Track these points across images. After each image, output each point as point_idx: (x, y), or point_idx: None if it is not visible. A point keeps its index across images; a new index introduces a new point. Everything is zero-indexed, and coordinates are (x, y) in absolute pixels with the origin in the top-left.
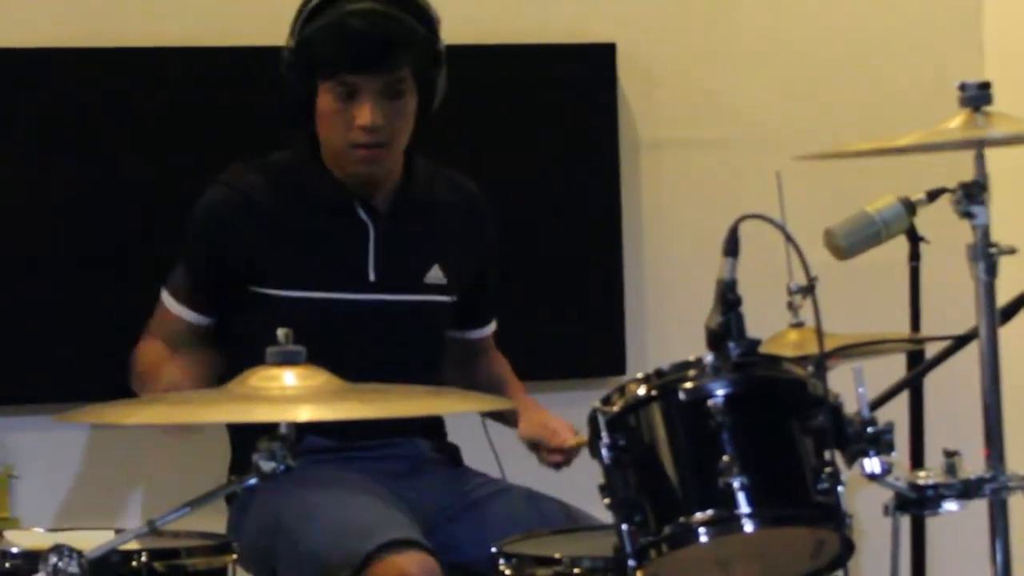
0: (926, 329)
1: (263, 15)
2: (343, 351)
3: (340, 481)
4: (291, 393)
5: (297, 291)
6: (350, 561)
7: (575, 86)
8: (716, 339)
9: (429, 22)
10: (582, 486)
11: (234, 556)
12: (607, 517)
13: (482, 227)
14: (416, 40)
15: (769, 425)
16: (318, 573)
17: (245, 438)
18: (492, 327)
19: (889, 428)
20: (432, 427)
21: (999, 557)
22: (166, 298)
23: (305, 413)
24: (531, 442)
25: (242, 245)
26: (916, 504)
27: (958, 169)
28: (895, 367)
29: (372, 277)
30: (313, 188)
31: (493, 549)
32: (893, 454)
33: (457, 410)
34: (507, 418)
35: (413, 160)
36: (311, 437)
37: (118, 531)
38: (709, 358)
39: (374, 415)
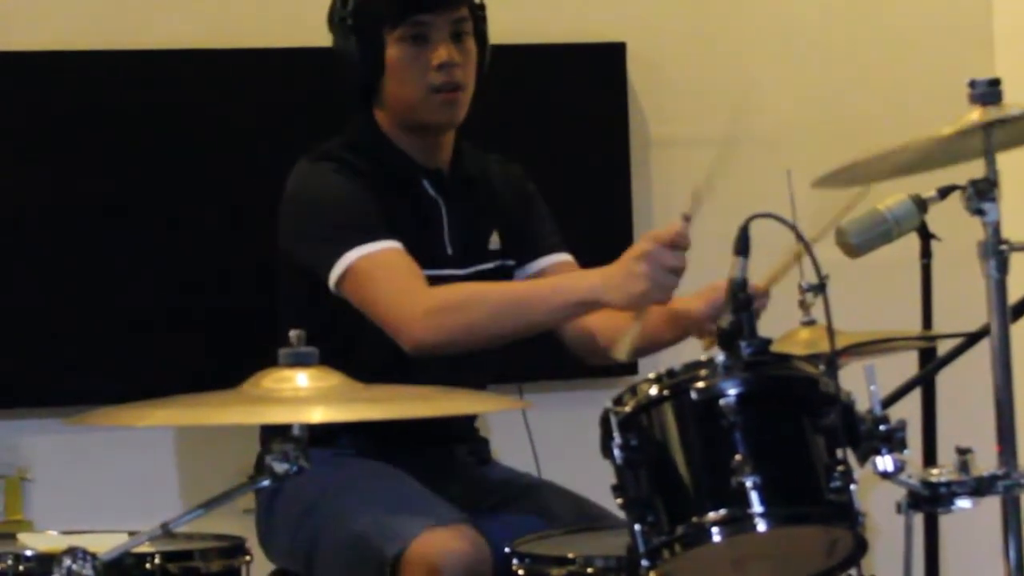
0: (938, 326)
1: (268, 17)
2: None
3: (379, 468)
4: (304, 394)
5: None
6: (395, 543)
7: (585, 86)
8: (728, 338)
9: None
10: (594, 485)
11: (247, 558)
12: (622, 514)
13: (525, 195)
14: None
15: (781, 424)
16: (361, 555)
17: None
18: (567, 256)
19: (901, 426)
20: (467, 429)
21: (1012, 554)
22: (356, 252)
23: (318, 414)
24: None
25: (364, 195)
26: (929, 502)
27: (969, 166)
28: (907, 365)
29: (450, 251)
30: (384, 165)
31: (507, 549)
32: (905, 452)
33: (471, 411)
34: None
35: (460, 133)
36: (344, 438)
37: (131, 533)
38: (721, 357)
39: (385, 416)
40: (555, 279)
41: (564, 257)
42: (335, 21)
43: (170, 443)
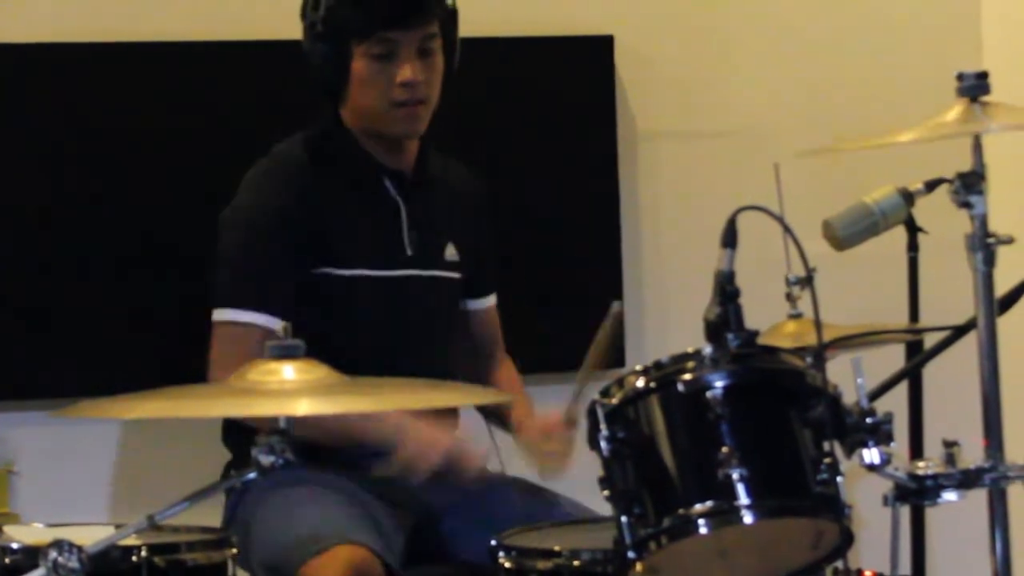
0: (925, 319)
1: (265, 9)
2: (391, 327)
3: (309, 487)
4: (290, 387)
5: (355, 269)
6: (289, 559)
7: (573, 78)
8: (715, 331)
9: None
10: (582, 479)
11: (234, 550)
12: (607, 510)
13: (483, 209)
14: None
15: (768, 416)
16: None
17: (239, 440)
18: (494, 298)
19: (888, 418)
20: (441, 421)
21: (998, 547)
22: (228, 314)
23: (304, 407)
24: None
25: (305, 215)
26: (915, 494)
27: (956, 159)
28: (894, 358)
29: (409, 252)
30: (340, 162)
31: (493, 542)
32: (892, 444)
33: (455, 403)
34: (504, 422)
35: (425, 140)
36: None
37: (118, 526)
38: (708, 350)
39: (371, 408)
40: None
41: (494, 300)
42: (305, 22)
43: (156, 436)
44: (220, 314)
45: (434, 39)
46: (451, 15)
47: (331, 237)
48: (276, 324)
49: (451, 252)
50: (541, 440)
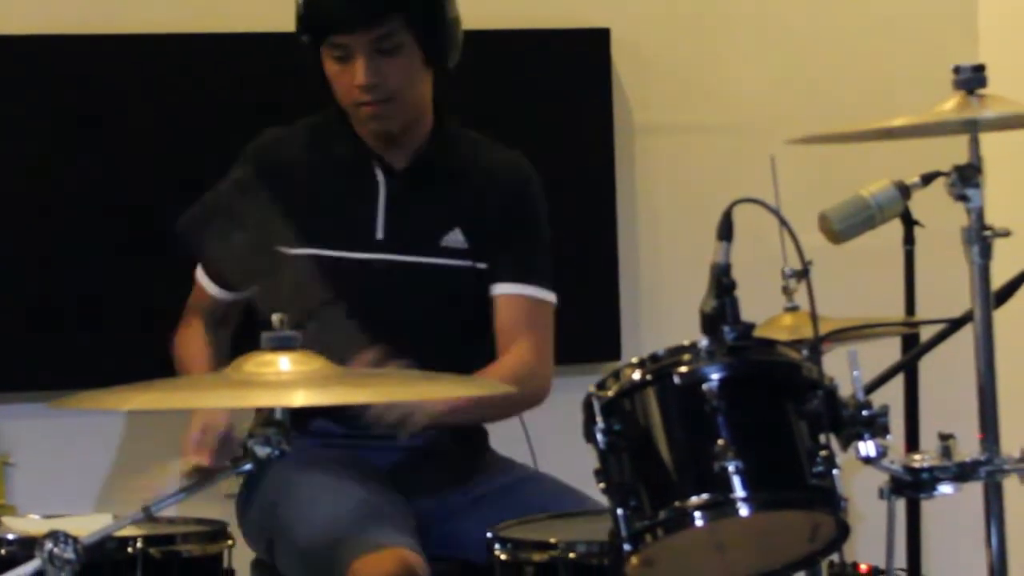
0: (921, 312)
1: (261, 1)
2: (356, 311)
3: (338, 476)
4: (287, 378)
5: (308, 248)
6: (338, 558)
7: (569, 71)
8: (711, 323)
9: None
10: (579, 471)
11: (229, 542)
12: (603, 501)
13: (519, 196)
14: None
15: (764, 409)
16: (309, 571)
17: None
18: (538, 291)
19: (884, 411)
20: None
21: (994, 540)
22: (199, 274)
23: (300, 398)
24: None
25: (262, 191)
26: (911, 487)
27: (952, 152)
28: (890, 350)
29: (380, 236)
30: (333, 147)
31: (489, 534)
32: (888, 437)
33: (452, 395)
34: None
35: (443, 121)
36: (319, 421)
37: (114, 518)
38: (704, 342)
39: (368, 400)
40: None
41: (535, 292)
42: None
43: (153, 427)
44: (198, 269)
45: (392, 37)
46: (426, 6)
47: (287, 217)
48: (213, 289)
49: (455, 238)
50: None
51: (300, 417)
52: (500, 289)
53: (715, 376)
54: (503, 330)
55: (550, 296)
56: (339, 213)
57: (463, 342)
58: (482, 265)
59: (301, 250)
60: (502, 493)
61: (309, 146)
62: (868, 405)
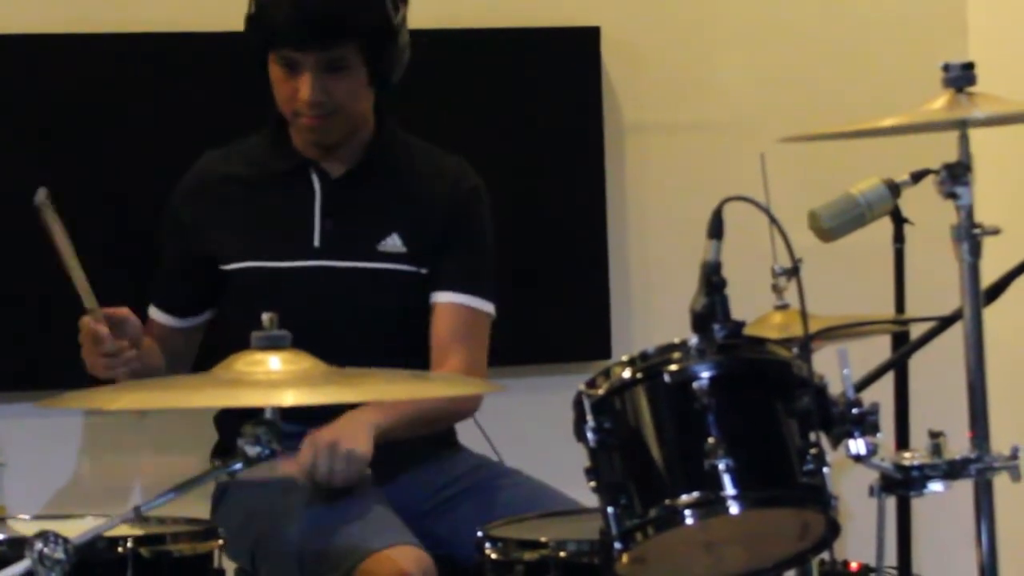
0: (911, 310)
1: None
2: (298, 321)
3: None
4: (276, 377)
5: (245, 262)
6: (339, 561)
7: (559, 70)
8: (701, 321)
9: None
10: (567, 469)
11: (220, 542)
12: (593, 501)
13: (457, 197)
14: (359, 17)
15: (754, 407)
16: (299, 571)
17: (231, 424)
18: (477, 302)
19: (874, 409)
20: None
21: (984, 537)
22: (151, 311)
23: (290, 397)
24: None
25: (197, 226)
26: (901, 485)
27: (942, 150)
28: (880, 348)
29: (317, 243)
30: (268, 159)
31: (479, 533)
32: (878, 435)
33: (443, 394)
34: None
35: (384, 127)
36: (288, 424)
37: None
38: (694, 340)
39: (358, 399)
40: None
41: (474, 303)
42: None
43: (142, 427)
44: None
45: (343, 59)
46: (383, 30)
47: (223, 233)
48: (163, 318)
49: (392, 243)
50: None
51: None
52: (439, 297)
53: (705, 374)
54: (439, 339)
55: (489, 307)
56: (276, 224)
57: (406, 347)
58: (424, 270)
59: (240, 264)
60: (478, 490)
61: (246, 163)
62: (858, 403)
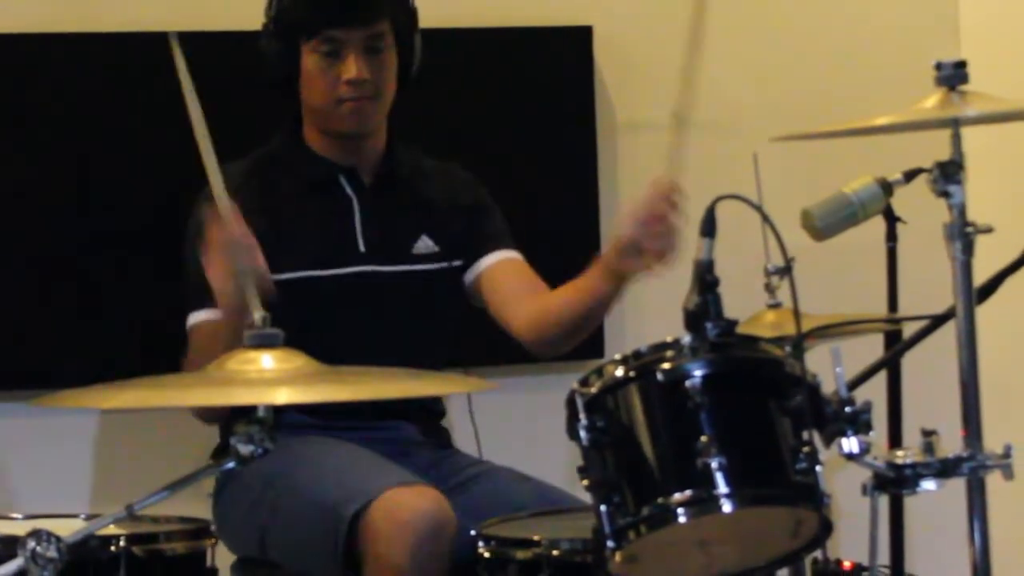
0: (903, 309)
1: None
2: (343, 325)
3: (332, 442)
4: (269, 376)
5: (291, 273)
6: (353, 503)
7: (552, 69)
8: (694, 320)
9: None
10: (561, 467)
11: (212, 540)
12: (587, 498)
13: (473, 196)
14: None
15: (747, 405)
16: (317, 523)
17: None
18: (515, 254)
19: (867, 408)
20: (421, 411)
21: (977, 536)
22: (193, 316)
23: (283, 395)
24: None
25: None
26: (894, 483)
27: (935, 149)
28: (872, 347)
29: (362, 248)
30: (296, 169)
31: (472, 532)
32: (871, 434)
33: (437, 392)
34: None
35: (393, 136)
36: (293, 414)
37: (96, 517)
38: (687, 339)
39: (352, 398)
40: None
41: (508, 254)
42: (264, 24)
43: (135, 425)
44: (189, 319)
45: (382, 38)
46: (408, 14)
47: (271, 244)
48: (215, 314)
49: (425, 245)
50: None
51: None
52: (494, 257)
53: (698, 373)
54: (517, 288)
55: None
56: (321, 232)
57: (438, 340)
58: (457, 262)
59: (291, 274)
60: (470, 484)
61: (271, 173)
62: (851, 401)
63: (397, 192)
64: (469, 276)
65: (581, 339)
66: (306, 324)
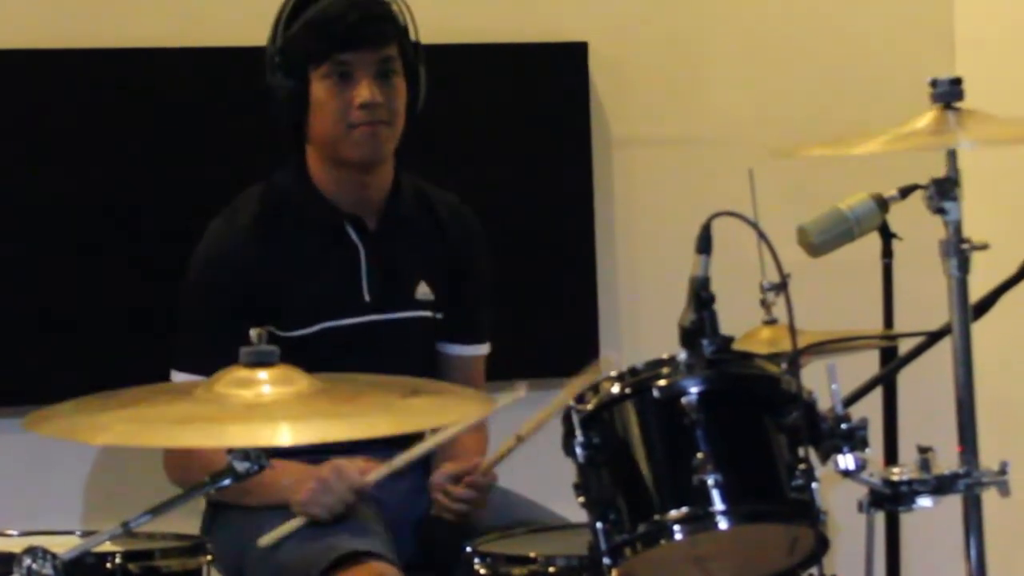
0: (899, 325)
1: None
2: (352, 371)
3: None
4: (267, 400)
5: (301, 330)
6: (311, 571)
7: (547, 85)
8: (690, 337)
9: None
10: (556, 485)
11: (209, 557)
12: (581, 516)
13: (467, 243)
14: (397, 19)
15: (743, 422)
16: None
17: None
18: (484, 348)
19: (863, 424)
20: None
21: (973, 552)
22: (178, 376)
23: (285, 435)
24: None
25: (244, 285)
26: (890, 500)
27: (930, 165)
28: (868, 364)
29: (368, 298)
30: (304, 213)
31: (468, 548)
32: (867, 450)
33: (436, 424)
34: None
35: (400, 175)
36: None
37: (92, 534)
38: (683, 356)
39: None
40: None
41: (482, 350)
42: (267, 59)
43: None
44: (172, 376)
45: (392, 62)
46: (412, 46)
47: (284, 299)
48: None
49: (423, 291)
50: (447, 483)
51: None
52: (456, 350)
53: (694, 389)
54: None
55: (488, 346)
56: (330, 283)
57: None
58: (439, 315)
59: (304, 331)
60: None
61: (277, 218)
62: (847, 418)
63: (400, 237)
64: (453, 349)
65: None
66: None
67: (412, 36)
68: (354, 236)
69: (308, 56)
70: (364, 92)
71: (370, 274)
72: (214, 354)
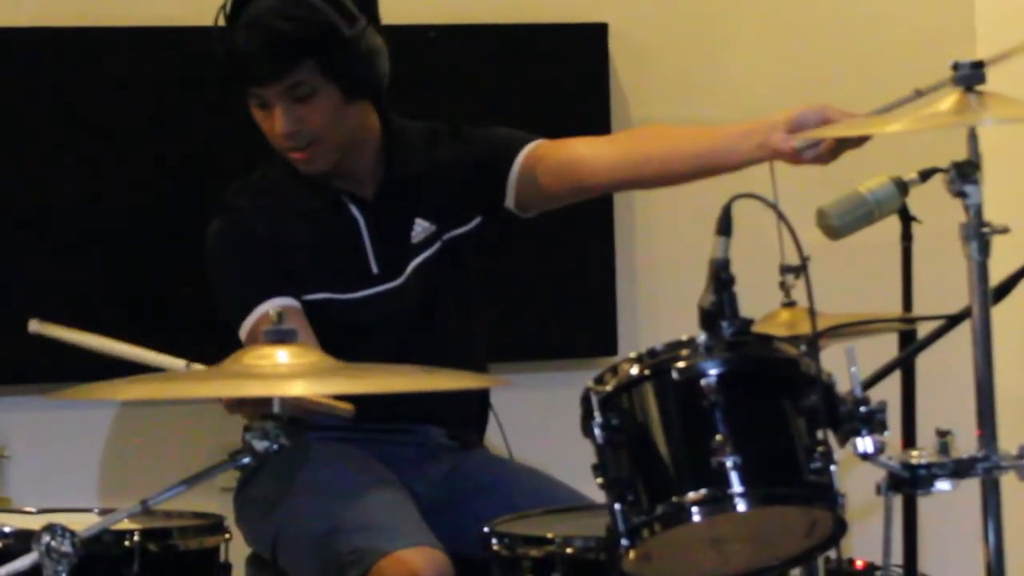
0: (918, 309)
1: None
2: (367, 345)
3: (349, 466)
4: (284, 370)
5: (321, 293)
6: (356, 559)
7: (567, 66)
8: (709, 318)
9: (331, 12)
10: (575, 465)
11: (227, 535)
12: (600, 496)
13: (461, 154)
14: (304, 36)
15: (762, 404)
16: (319, 566)
17: None
18: (531, 141)
19: (881, 407)
20: (449, 412)
21: (991, 536)
22: (247, 322)
23: (298, 388)
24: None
25: (261, 249)
26: (908, 483)
27: (951, 148)
28: (887, 347)
29: (375, 270)
30: (298, 195)
31: (485, 529)
32: (886, 433)
33: (448, 387)
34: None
35: (392, 135)
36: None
37: (111, 511)
38: (702, 337)
39: (365, 391)
40: None
41: (538, 142)
42: None
43: (150, 420)
44: (241, 332)
45: (304, 85)
46: (341, 46)
47: (295, 273)
48: (290, 303)
49: (419, 230)
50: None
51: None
52: (528, 150)
53: (713, 371)
54: (580, 143)
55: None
56: (333, 257)
57: (471, 322)
58: (461, 230)
59: (315, 295)
60: (494, 487)
61: (274, 202)
62: (866, 401)
63: (398, 198)
64: (511, 180)
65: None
66: (338, 341)
67: (340, 32)
68: (353, 210)
69: (229, 84)
70: (278, 124)
71: (374, 245)
72: (264, 287)
